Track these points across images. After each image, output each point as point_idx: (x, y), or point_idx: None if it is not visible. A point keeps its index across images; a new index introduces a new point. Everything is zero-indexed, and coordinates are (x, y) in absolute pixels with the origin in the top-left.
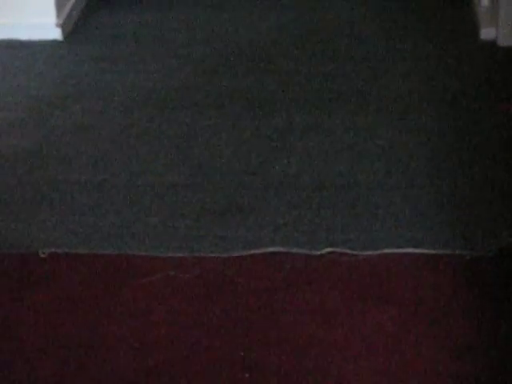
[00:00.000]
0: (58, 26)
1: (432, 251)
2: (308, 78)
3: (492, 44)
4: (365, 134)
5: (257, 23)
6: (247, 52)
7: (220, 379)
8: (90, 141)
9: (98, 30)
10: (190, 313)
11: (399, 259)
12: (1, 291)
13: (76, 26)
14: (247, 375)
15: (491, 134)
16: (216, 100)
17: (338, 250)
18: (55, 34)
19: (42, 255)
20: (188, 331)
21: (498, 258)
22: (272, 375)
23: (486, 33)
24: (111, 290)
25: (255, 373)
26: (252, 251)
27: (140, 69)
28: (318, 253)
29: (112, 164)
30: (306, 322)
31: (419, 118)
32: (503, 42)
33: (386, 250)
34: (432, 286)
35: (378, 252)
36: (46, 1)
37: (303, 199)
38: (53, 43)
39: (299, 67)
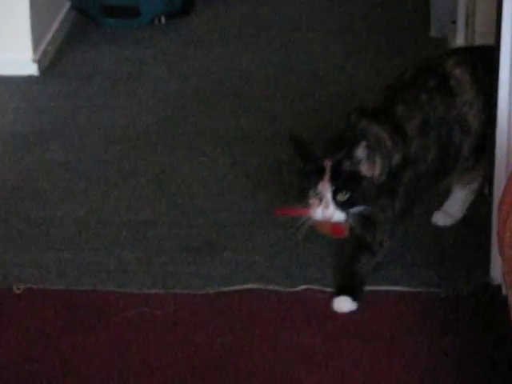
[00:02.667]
0: (34, 61)
1: (407, 289)
2: (283, 117)
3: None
4: None
5: (234, 60)
6: (223, 89)
7: None
8: (65, 177)
9: (74, 66)
10: (163, 350)
11: (374, 296)
12: None
13: (53, 62)
14: None
15: None
16: (192, 137)
17: (313, 286)
18: (31, 69)
19: (17, 291)
20: (162, 369)
21: (472, 297)
22: None
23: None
24: (86, 326)
25: None
26: (227, 288)
27: (116, 105)
28: (293, 290)
29: (88, 200)
30: (282, 359)
31: None
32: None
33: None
34: (406, 323)
35: None
36: (23, 36)
37: (278, 236)
38: (29, 79)
39: (274, 105)
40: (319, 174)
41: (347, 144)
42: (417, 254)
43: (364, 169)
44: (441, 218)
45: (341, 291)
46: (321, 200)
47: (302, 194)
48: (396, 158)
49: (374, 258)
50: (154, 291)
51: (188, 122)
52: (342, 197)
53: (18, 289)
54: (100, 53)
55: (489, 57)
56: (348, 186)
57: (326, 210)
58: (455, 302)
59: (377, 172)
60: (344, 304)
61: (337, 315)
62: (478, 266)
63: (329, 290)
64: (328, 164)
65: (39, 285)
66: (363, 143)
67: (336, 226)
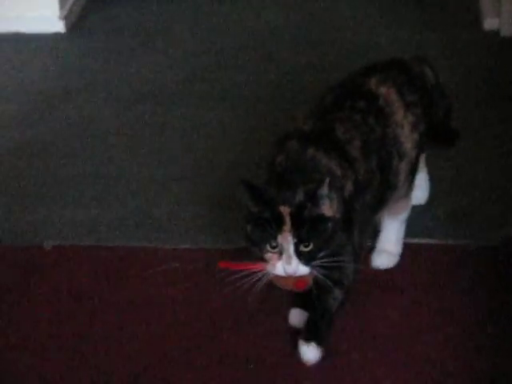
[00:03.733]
0: (60, 18)
1: (437, 241)
2: (309, 70)
3: (495, 34)
4: None
5: (261, 15)
6: (250, 44)
7: (223, 371)
8: (93, 133)
9: (101, 23)
10: (193, 304)
11: (404, 249)
12: (5, 284)
13: (79, 19)
14: (251, 366)
15: (496, 126)
16: (220, 92)
17: None
18: (58, 26)
19: (47, 247)
20: (192, 323)
21: (502, 248)
22: (273, 367)
23: (489, 23)
24: (115, 282)
25: (259, 365)
26: None
27: (143, 61)
28: None
29: (116, 156)
30: None
31: None
32: (506, 32)
33: None
34: (436, 275)
35: None
36: None
37: None
38: (56, 36)
39: (301, 58)
40: (277, 224)
41: (303, 183)
42: (447, 208)
43: (326, 209)
44: (383, 260)
45: (308, 337)
46: (281, 254)
47: (255, 246)
48: (348, 188)
49: (344, 291)
50: (183, 246)
51: (216, 77)
52: (305, 248)
53: (48, 245)
54: (126, 9)
55: (406, 71)
56: (312, 235)
57: (289, 266)
58: (485, 253)
59: (335, 209)
60: (312, 353)
61: (365, 266)
62: (508, 217)
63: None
64: (286, 211)
65: (69, 241)
66: (327, 181)
67: (299, 279)
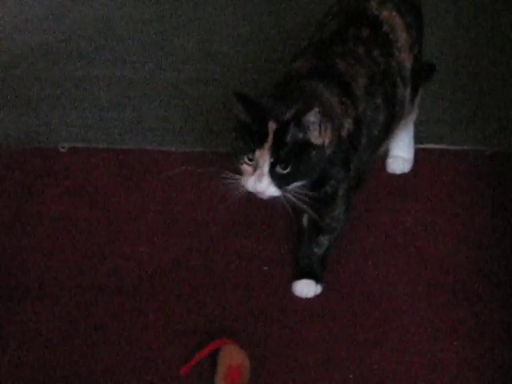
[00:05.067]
0: None
1: (452, 147)
2: None
3: None
4: None
5: None
6: None
7: (240, 271)
8: (109, 36)
9: None
10: (207, 207)
11: (419, 154)
12: (21, 185)
13: None
14: (266, 268)
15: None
16: None
17: None
18: None
19: (62, 150)
20: (207, 226)
21: None
22: (287, 267)
23: None
24: (131, 185)
25: (274, 265)
26: None
27: None
28: None
29: (132, 59)
30: None
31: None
32: None
33: None
34: (451, 181)
35: None
36: None
37: None
38: None
39: None
40: (260, 138)
41: (295, 103)
42: (462, 113)
43: (314, 136)
44: (399, 165)
45: (302, 274)
46: (255, 169)
47: (234, 155)
48: (346, 127)
49: (333, 235)
50: (197, 149)
51: None
52: (281, 170)
53: (63, 147)
54: None
55: None
56: (291, 159)
57: (259, 184)
58: (500, 159)
59: (327, 140)
60: (307, 288)
61: (380, 173)
62: None
63: None
64: (272, 127)
65: (84, 143)
66: (316, 109)
67: (233, 369)
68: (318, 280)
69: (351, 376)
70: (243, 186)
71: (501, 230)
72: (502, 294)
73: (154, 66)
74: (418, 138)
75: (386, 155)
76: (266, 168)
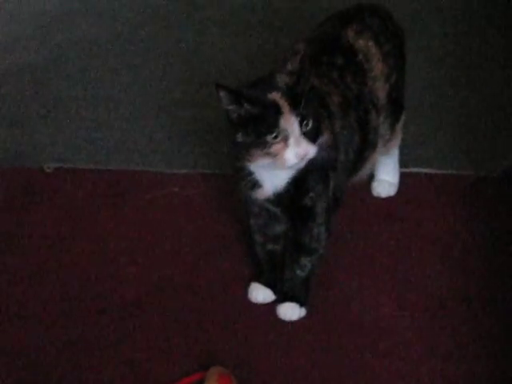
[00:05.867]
0: None
1: (437, 171)
2: None
3: None
4: None
5: None
6: None
7: (224, 292)
8: (95, 56)
9: None
10: (193, 229)
11: (404, 178)
12: (5, 205)
13: None
14: None
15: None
16: (222, 17)
17: None
18: None
19: (47, 170)
20: (191, 247)
21: (502, 179)
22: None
23: None
24: (115, 206)
25: None
26: None
27: None
28: None
29: (118, 80)
30: None
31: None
32: None
33: None
34: (436, 204)
35: None
36: None
37: None
38: None
39: None
40: (275, 111)
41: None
42: (448, 137)
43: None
44: (384, 188)
45: (286, 298)
46: (286, 140)
47: (254, 149)
48: (325, 136)
49: (315, 257)
50: (183, 171)
51: (218, 1)
52: (306, 127)
53: (49, 168)
54: None
55: (380, 17)
56: (310, 111)
57: (300, 148)
58: (486, 184)
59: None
60: (291, 311)
61: (365, 196)
62: (508, 148)
63: None
64: (278, 96)
65: (69, 164)
66: (302, 54)
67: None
68: (301, 303)
69: None
70: (284, 165)
71: (485, 254)
72: (486, 317)
73: (141, 86)
74: (403, 162)
75: (371, 179)
76: (297, 130)
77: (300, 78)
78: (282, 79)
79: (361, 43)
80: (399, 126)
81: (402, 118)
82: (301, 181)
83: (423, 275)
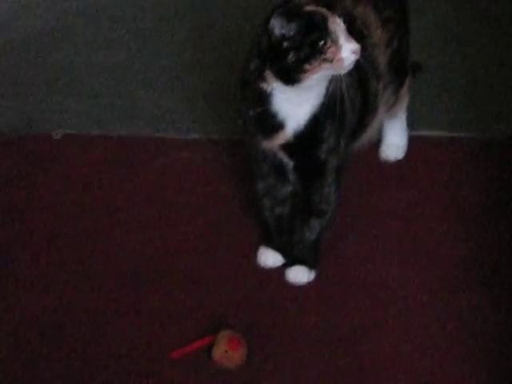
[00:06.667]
0: None
1: (446, 133)
2: None
3: None
4: None
5: None
6: None
7: (235, 258)
8: (104, 23)
9: None
10: (202, 194)
11: (414, 141)
12: (15, 173)
13: None
14: None
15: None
16: None
17: None
18: None
19: (56, 137)
20: (200, 212)
21: (510, 141)
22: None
23: None
24: (125, 172)
25: None
26: None
27: None
28: None
29: (126, 46)
30: None
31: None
32: None
33: None
34: (444, 167)
35: None
36: None
37: None
38: None
39: None
40: (319, 18)
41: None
42: (456, 99)
43: None
44: (392, 151)
45: (295, 261)
46: (337, 42)
47: (311, 57)
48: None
49: (324, 219)
50: (192, 136)
51: None
52: (347, 25)
53: (57, 135)
54: None
55: None
56: (340, 12)
57: (353, 45)
58: (494, 146)
59: None
60: (301, 275)
61: (375, 159)
62: None
63: None
64: (313, 6)
65: (78, 130)
66: None
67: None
68: (311, 266)
69: (344, 362)
70: (343, 65)
71: (494, 215)
72: (495, 280)
73: (149, 52)
74: (411, 125)
75: (379, 142)
76: (345, 30)
77: None
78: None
79: (359, 10)
80: (404, 91)
81: (407, 82)
82: (318, 126)
83: (433, 239)
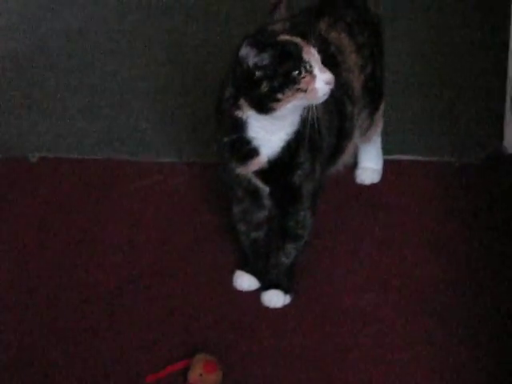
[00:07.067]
0: None
1: (421, 158)
2: None
3: None
4: None
5: None
6: None
7: (210, 281)
8: (81, 45)
9: None
10: (178, 218)
11: (388, 165)
12: None
13: None
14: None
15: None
16: (205, 4)
17: None
18: None
19: (32, 159)
20: (176, 236)
21: (486, 165)
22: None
23: None
24: (101, 195)
25: None
26: None
27: None
28: None
29: (103, 69)
30: None
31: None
32: None
33: None
34: (420, 191)
35: None
36: None
37: None
38: None
39: None
40: (294, 47)
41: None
42: (431, 123)
43: None
44: (368, 175)
45: (270, 285)
46: (311, 72)
47: (285, 88)
48: (310, 115)
49: (300, 243)
50: (168, 160)
51: None
52: (319, 55)
53: (34, 157)
54: None
55: (354, 4)
56: (317, 41)
57: (326, 74)
58: (469, 170)
59: None
60: (276, 298)
61: (349, 183)
62: (491, 135)
63: None
64: (288, 36)
65: (54, 153)
66: None
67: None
68: (286, 290)
69: None
70: (317, 96)
71: (469, 240)
72: (471, 303)
73: (125, 75)
74: (386, 149)
75: (354, 166)
76: (319, 59)
77: (295, 17)
78: (278, 27)
79: (333, 35)
80: (379, 115)
81: (382, 106)
82: (292, 152)
83: (408, 262)
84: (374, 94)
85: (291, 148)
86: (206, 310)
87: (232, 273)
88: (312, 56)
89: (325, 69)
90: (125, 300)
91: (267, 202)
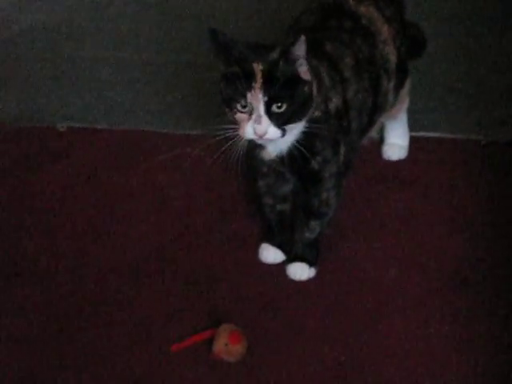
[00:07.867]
0: None
1: (447, 135)
2: None
3: None
4: None
5: None
6: None
7: (234, 253)
8: (109, 18)
9: None
10: (204, 190)
11: (415, 142)
12: (19, 164)
13: None
14: None
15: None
16: None
17: None
18: None
19: (61, 129)
20: (202, 207)
21: (510, 144)
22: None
23: None
24: (128, 165)
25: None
26: None
27: None
28: None
29: (131, 42)
30: None
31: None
32: None
33: None
34: (446, 169)
35: None
36: None
37: None
38: None
39: None
40: (248, 81)
41: (281, 45)
42: (458, 101)
43: (302, 71)
44: (394, 151)
45: (296, 258)
46: (251, 114)
47: (227, 107)
48: (335, 102)
49: (324, 220)
50: (195, 132)
51: None
52: (277, 108)
53: (62, 127)
54: None
55: None
56: (284, 95)
57: (259, 126)
58: (494, 149)
59: (315, 88)
60: (301, 271)
61: (376, 160)
62: None
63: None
64: (258, 68)
65: (82, 123)
66: (303, 38)
67: (234, 334)
68: (311, 263)
69: (343, 358)
70: (243, 136)
71: (493, 217)
72: (493, 280)
73: (153, 49)
74: (414, 126)
75: (381, 142)
76: (261, 109)
77: (285, 58)
78: (274, 54)
79: (362, 9)
80: (404, 92)
81: (407, 84)
82: (307, 145)
83: (432, 238)
84: (401, 70)
85: (303, 145)
86: (231, 282)
87: (257, 245)
88: (256, 101)
89: (264, 121)
90: (150, 270)
91: (291, 178)
